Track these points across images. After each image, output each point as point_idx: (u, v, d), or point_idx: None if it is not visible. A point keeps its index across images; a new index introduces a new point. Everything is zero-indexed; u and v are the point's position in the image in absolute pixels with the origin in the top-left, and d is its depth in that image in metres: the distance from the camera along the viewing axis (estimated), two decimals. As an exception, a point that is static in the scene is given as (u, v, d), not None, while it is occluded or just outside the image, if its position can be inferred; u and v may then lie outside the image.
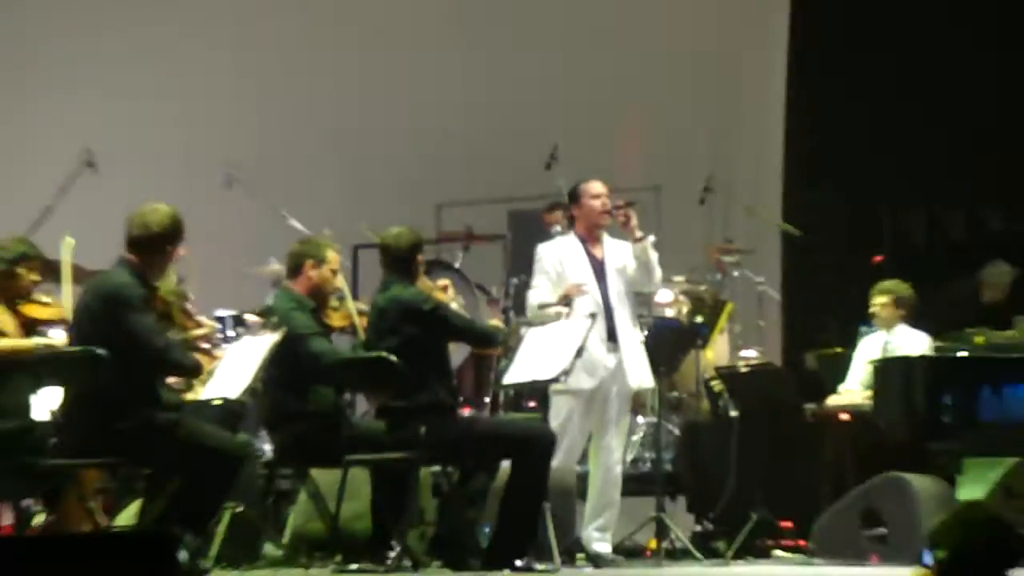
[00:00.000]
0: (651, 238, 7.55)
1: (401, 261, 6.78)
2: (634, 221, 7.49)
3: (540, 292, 7.50)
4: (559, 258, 7.54)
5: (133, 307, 6.08)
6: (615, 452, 7.54)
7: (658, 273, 7.59)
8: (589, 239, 7.56)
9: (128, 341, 6.06)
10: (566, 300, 7.36)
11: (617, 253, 7.57)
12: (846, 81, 11.14)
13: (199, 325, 6.79)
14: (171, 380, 6.53)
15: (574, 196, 7.63)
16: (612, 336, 7.41)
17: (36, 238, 8.38)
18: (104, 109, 11.28)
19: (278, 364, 6.57)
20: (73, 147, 9.53)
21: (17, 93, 11.44)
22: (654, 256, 7.51)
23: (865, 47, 11.11)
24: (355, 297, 7.75)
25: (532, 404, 8.49)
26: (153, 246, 6.22)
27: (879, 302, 8.16)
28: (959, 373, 7.52)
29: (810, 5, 11.29)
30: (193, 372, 6.37)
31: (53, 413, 6.33)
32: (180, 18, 11.65)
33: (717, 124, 11.37)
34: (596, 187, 7.56)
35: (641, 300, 9.17)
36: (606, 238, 7.62)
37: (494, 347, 7.21)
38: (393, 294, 6.72)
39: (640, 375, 7.55)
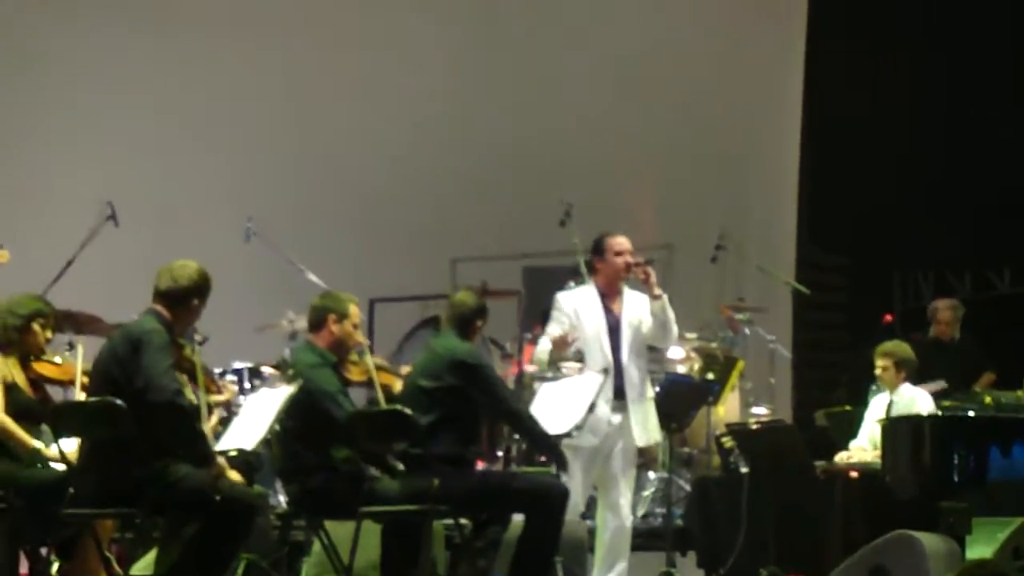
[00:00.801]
0: (663, 296, 7.65)
1: (464, 320, 6.94)
2: (653, 279, 7.58)
3: (545, 341, 7.64)
4: (575, 308, 7.63)
5: (155, 346, 6.18)
6: (624, 508, 7.60)
7: (674, 331, 7.68)
8: (608, 293, 7.64)
9: (141, 380, 6.12)
10: (563, 346, 7.46)
11: (635, 308, 7.63)
12: (859, 141, 11.26)
13: (220, 390, 6.91)
14: None
15: (598, 248, 7.69)
16: (619, 394, 7.48)
17: (58, 291, 8.56)
18: (125, 164, 11.41)
19: (295, 416, 6.65)
20: (95, 201, 9.64)
21: (39, 147, 11.56)
22: (671, 314, 7.60)
23: (878, 110, 11.24)
24: (371, 351, 7.84)
25: (544, 458, 8.55)
26: (180, 300, 6.35)
27: (881, 365, 8.26)
28: (968, 432, 7.55)
29: (824, 66, 11.42)
30: (198, 444, 6.24)
31: (69, 462, 6.41)
32: (200, 73, 11.79)
33: (730, 183, 11.48)
34: (620, 243, 7.63)
35: (653, 357, 9.27)
36: (627, 291, 7.68)
37: (526, 437, 7.17)
38: (449, 343, 6.88)
39: (646, 432, 7.61)
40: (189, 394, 6.47)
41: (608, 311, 7.61)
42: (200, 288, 6.39)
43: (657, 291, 7.57)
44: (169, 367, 6.18)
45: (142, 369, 6.13)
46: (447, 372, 6.76)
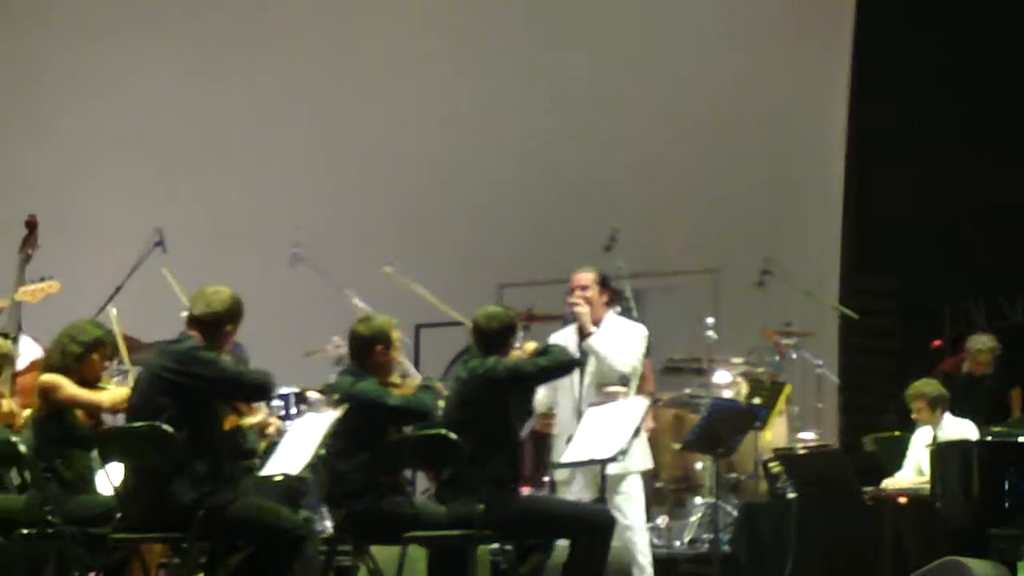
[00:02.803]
0: (595, 335, 7.58)
1: (489, 342, 6.85)
2: (583, 320, 7.59)
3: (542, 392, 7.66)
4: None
5: (205, 360, 6.29)
6: (623, 531, 7.55)
7: (608, 362, 7.54)
8: (586, 326, 7.67)
9: (214, 391, 6.28)
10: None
11: (606, 338, 7.62)
12: (906, 164, 11.20)
13: (253, 412, 6.95)
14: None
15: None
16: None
17: (106, 318, 8.61)
18: (174, 191, 11.51)
19: (340, 439, 6.67)
20: (143, 228, 9.71)
21: (89, 176, 11.68)
22: (600, 349, 7.55)
23: (925, 132, 11.18)
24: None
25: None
26: (214, 325, 6.40)
27: (915, 408, 8.25)
28: (1018, 458, 7.49)
29: (870, 90, 11.38)
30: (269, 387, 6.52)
31: (116, 487, 6.44)
32: (248, 101, 11.89)
33: (776, 208, 11.45)
34: (574, 279, 7.70)
35: (699, 382, 9.26)
36: (606, 321, 7.68)
37: (573, 368, 7.12)
38: (471, 367, 6.82)
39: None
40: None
41: (582, 343, 7.63)
42: (233, 313, 6.45)
43: (589, 329, 7.60)
44: (231, 363, 6.38)
45: (220, 379, 6.27)
46: (479, 394, 6.71)
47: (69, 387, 6.76)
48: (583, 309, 7.62)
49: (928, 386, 8.29)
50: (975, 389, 9.78)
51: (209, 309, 6.40)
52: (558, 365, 6.93)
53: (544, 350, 6.95)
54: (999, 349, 9.80)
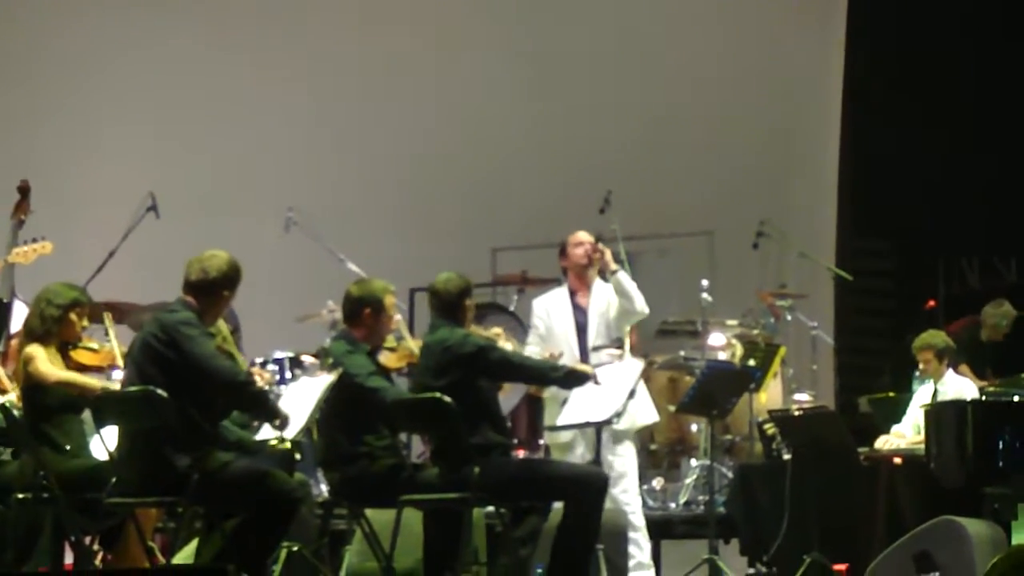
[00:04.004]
0: (621, 272, 7.76)
1: (449, 306, 6.85)
2: (607, 257, 7.73)
3: (530, 351, 7.70)
4: (547, 311, 7.82)
5: (188, 336, 6.24)
6: (617, 496, 7.61)
7: (638, 299, 7.72)
8: (578, 288, 7.79)
9: (192, 371, 6.19)
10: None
11: (602, 297, 7.75)
12: (900, 126, 11.19)
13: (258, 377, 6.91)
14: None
15: (563, 249, 7.87)
16: None
17: (100, 282, 8.62)
18: (167, 155, 11.48)
19: (334, 404, 6.67)
20: (136, 193, 9.68)
21: (81, 139, 11.64)
22: (629, 284, 7.70)
23: (919, 93, 11.17)
24: (412, 333, 7.86)
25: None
26: (210, 291, 6.37)
27: (922, 359, 8.26)
28: (1013, 417, 7.48)
29: (865, 51, 11.36)
30: (269, 409, 6.38)
31: (111, 452, 6.44)
32: (242, 65, 11.85)
33: (771, 170, 11.44)
34: (578, 236, 7.82)
35: (694, 344, 9.27)
36: (597, 283, 7.76)
37: (549, 385, 7.21)
38: (440, 336, 6.80)
39: (628, 416, 7.47)
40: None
41: (577, 308, 7.71)
42: (230, 279, 6.40)
43: (613, 267, 7.72)
44: (215, 350, 6.29)
45: (192, 362, 6.18)
46: (448, 366, 6.69)
47: (35, 360, 6.75)
48: (605, 246, 7.74)
49: (936, 338, 8.28)
50: (989, 355, 9.81)
51: (205, 276, 6.35)
52: (528, 368, 6.95)
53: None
54: (1010, 315, 9.88)
